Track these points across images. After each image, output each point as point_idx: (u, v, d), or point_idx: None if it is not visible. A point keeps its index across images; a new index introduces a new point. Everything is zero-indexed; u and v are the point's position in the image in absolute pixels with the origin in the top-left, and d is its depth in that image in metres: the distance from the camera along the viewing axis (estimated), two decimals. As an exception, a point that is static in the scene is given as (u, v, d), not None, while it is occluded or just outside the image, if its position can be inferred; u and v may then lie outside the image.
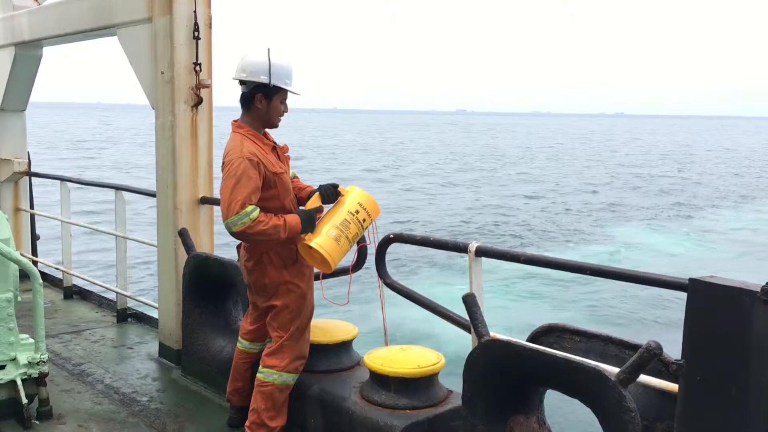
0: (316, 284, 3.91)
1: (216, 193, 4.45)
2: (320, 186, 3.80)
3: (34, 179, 7.88)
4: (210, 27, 5.09)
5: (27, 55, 7.03)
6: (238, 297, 4.68)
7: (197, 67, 4.99)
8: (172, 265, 5.17)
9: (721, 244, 22.84)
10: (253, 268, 3.74)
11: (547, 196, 34.96)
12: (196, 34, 4.96)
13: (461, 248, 3.54)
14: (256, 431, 3.73)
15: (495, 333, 3.14)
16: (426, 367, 3.50)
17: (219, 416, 4.31)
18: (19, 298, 4.29)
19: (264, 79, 3.58)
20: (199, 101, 5.05)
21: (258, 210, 3.47)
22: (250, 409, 3.78)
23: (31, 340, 4.24)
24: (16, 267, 4.20)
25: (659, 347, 2.44)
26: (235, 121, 3.74)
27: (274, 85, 3.60)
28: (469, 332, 3.36)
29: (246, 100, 3.68)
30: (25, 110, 7.58)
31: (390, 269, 4.05)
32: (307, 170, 40.70)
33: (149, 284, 13.54)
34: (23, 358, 4.17)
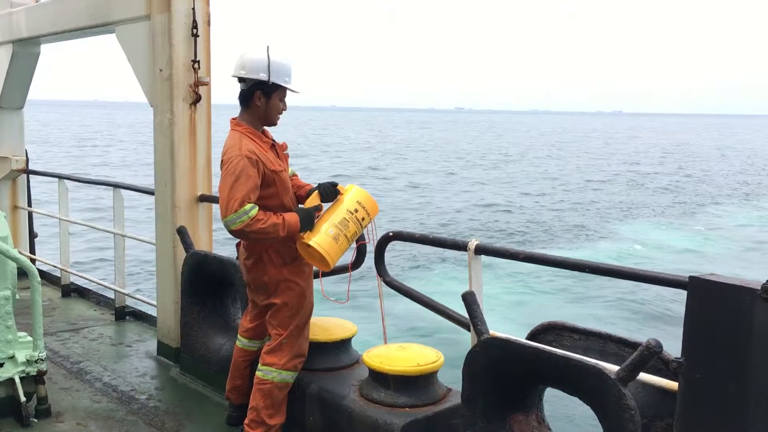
0: (316, 282, 3.91)
1: (215, 191, 4.45)
2: (319, 184, 3.80)
3: (32, 177, 7.87)
4: (209, 24, 5.08)
5: (25, 52, 7.01)
6: (237, 295, 4.67)
7: (196, 65, 4.98)
8: (170, 263, 5.16)
9: (730, 241, 22.90)
10: (253, 266, 3.74)
11: (549, 193, 35.02)
12: (194, 31, 4.94)
13: (460, 246, 3.54)
14: (255, 429, 3.73)
15: (494, 331, 3.14)
16: (425, 365, 3.50)
17: (218, 414, 4.30)
18: (17, 296, 4.28)
19: (263, 76, 3.57)
20: (197, 99, 5.04)
21: (257, 208, 3.47)
22: (249, 407, 3.78)
23: (30, 338, 4.23)
24: (14, 265, 4.19)
25: (659, 345, 2.44)
26: (233, 118, 3.73)
27: (273, 83, 3.59)
28: (469, 330, 3.35)
29: (245, 98, 3.67)
30: (22, 108, 7.55)
31: (391, 268, 4.04)
32: (311, 168, 40.72)
33: (148, 282, 13.53)
34: (21, 356, 4.17)
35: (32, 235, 7.94)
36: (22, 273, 4.19)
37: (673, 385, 2.58)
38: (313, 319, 3.93)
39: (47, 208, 8.52)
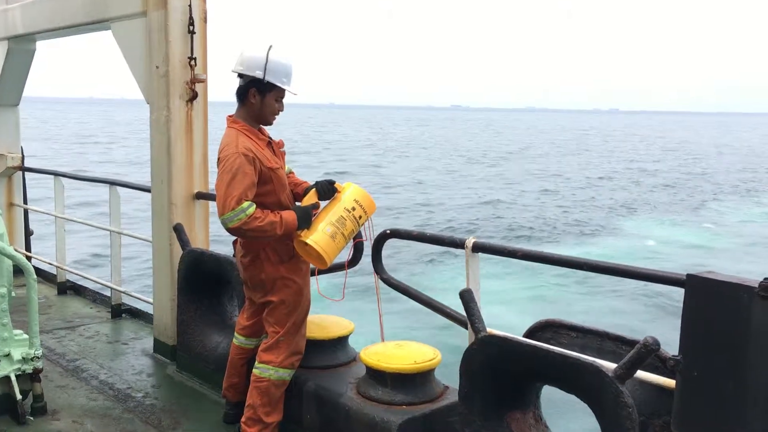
0: (312, 280, 3.90)
1: (211, 188, 4.44)
2: (317, 182, 3.79)
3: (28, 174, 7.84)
4: (205, 21, 5.06)
5: (20, 49, 6.99)
6: (234, 293, 4.67)
7: (192, 62, 4.96)
8: (167, 260, 5.15)
9: (736, 237, 22.99)
10: (250, 263, 3.73)
11: (552, 191, 35.08)
12: (191, 28, 4.93)
13: (458, 244, 3.53)
14: (252, 427, 3.72)
15: (492, 329, 3.13)
16: (422, 362, 3.49)
17: (214, 412, 4.29)
18: (13, 294, 4.27)
19: (258, 74, 3.57)
20: (194, 96, 5.03)
21: (254, 206, 3.46)
22: (246, 404, 3.77)
23: (25, 336, 4.21)
24: (10, 262, 4.18)
25: (656, 343, 2.44)
26: (230, 116, 3.72)
27: (268, 82, 3.58)
28: (466, 328, 3.35)
29: (241, 94, 3.66)
30: (18, 105, 7.53)
31: (389, 266, 4.04)
32: (312, 166, 40.66)
33: (144, 280, 13.50)
34: (17, 354, 4.15)
35: (28, 233, 7.92)
36: (18, 270, 4.17)
37: (671, 382, 2.58)
38: (310, 317, 3.92)
39: (47, 205, 8.47)
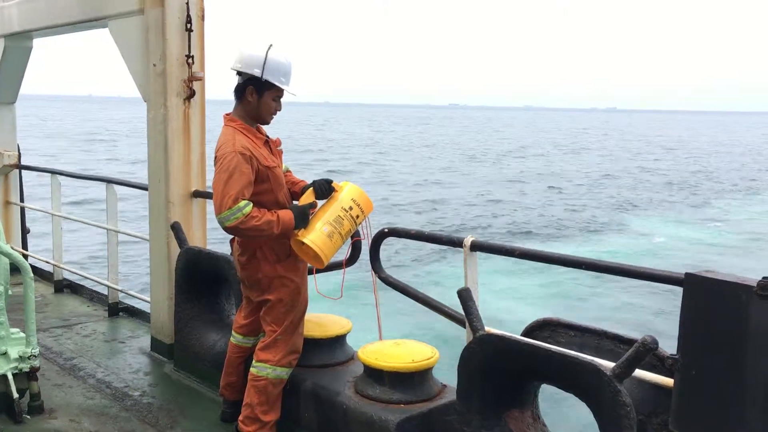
0: (310, 278, 3.89)
1: (209, 187, 4.43)
2: (314, 181, 3.78)
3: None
4: (203, 19, 5.05)
5: (17, 46, 6.96)
6: (231, 291, 4.66)
7: (190, 60, 4.95)
8: (164, 259, 5.14)
9: (743, 234, 23.07)
10: (247, 262, 3.72)
11: (555, 189, 35.12)
12: (188, 26, 4.91)
13: (456, 242, 3.53)
14: (250, 426, 3.72)
15: (490, 327, 3.13)
16: (420, 361, 3.49)
17: (212, 410, 4.29)
18: (10, 292, 4.26)
19: (257, 72, 3.55)
20: (191, 94, 5.02)
21: (251, 205, 3.45)
22: (244, 403, 3.77)
23: (22, 334, 4.20)
24: (7, 261, 4.16)
25: (655, 342, 2.44)
26: (227, 114, 3.71)
27: (265, 80, 3.57)
28: (464, 327, 3.35)
29: (239, 92, 3.65)
30: (14, 102, 7.50)
31: (387, 265, 4.03)
32: (314, 164, 40.62)
33: (141, 278, 13.47)
34: (14, 353, 4.14)
35: (25, 231, 7.90)
36: (15, 268, 4.16)
37: (669, 381, 2.58)
38: (308, 316, 3.92)
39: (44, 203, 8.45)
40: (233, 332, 4.06)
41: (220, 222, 3.45)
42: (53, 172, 7.11)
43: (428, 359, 3.51)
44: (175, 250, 4.96)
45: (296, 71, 3.74)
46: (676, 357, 2.42)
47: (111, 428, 4.09)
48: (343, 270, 3.94)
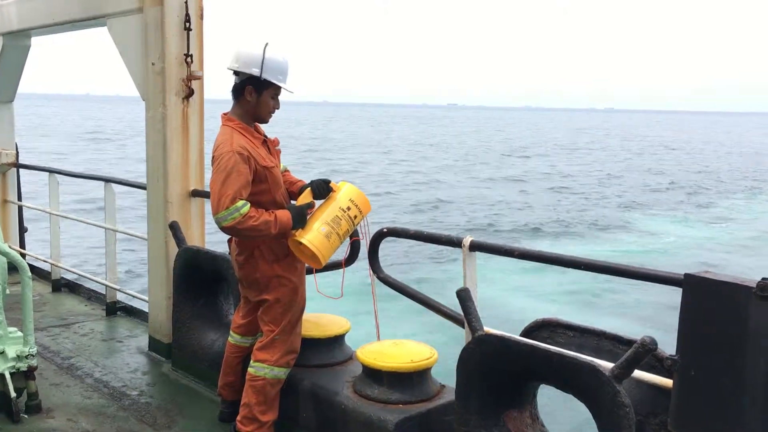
0: (309, 278, 3.89)
1: (207, 186, 4.42)
2: (312, 181, 3.77)
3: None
4: (202, 18, 5.04)
5: (15, 45, 6.95)
6: (229, 291, 4.65)
7: (188, 59, 4.94)
8: (162, 258, 5.13)
9: (749, 233, 23.12)
10: (245, 262, 3.72)
11: (557, 188, 35.14)
12: (187, 25, 4.90)
13: (455, 243, 3.52)
14: (248, 425, 3.71)
15: (489, 328, 3.12)
16: (419, 361, 3.48)
17: (210, 410, 4.28)
18: (7, 291, 4.25)
19: (255, 71, 3.55)
20: (190, 93, 5.01)
21: (248, 205, 3.45)
22: (242, 403, 3.76)
23: (20, 334, 4.19)
24: (4, 259, 4.15)
25: (654, 342, 2.44)
26: (224, 114, 3.70)
27: (264, 79, 3.57)
28: (463, 327, 3.34)
29: (237, 91, 3.64)
30: (12, 101, 7.49)
31: (385, 264, 4.03)
32: (314, 164, 40.58)
33: (139, 278, 13.46)
34: (12, 352, 4.13)
35: (22, 230, 7.89)
36: (13, 268, 4.15)
37: (668, 382, 2.58)
38: (307, 315, 3.91)
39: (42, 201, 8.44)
40: (231, 332, 4.06)
41: (218, 222, 3.44)
42: (51, 170, 7.09)
43: (427, 359, 3.51)
44: (174, 249, 4.95)
45: (294, 70, 3.74)
46: (675, 357, 2.42)
47: (109, 428, 4.08)
48: (342, 270, 3.93)
